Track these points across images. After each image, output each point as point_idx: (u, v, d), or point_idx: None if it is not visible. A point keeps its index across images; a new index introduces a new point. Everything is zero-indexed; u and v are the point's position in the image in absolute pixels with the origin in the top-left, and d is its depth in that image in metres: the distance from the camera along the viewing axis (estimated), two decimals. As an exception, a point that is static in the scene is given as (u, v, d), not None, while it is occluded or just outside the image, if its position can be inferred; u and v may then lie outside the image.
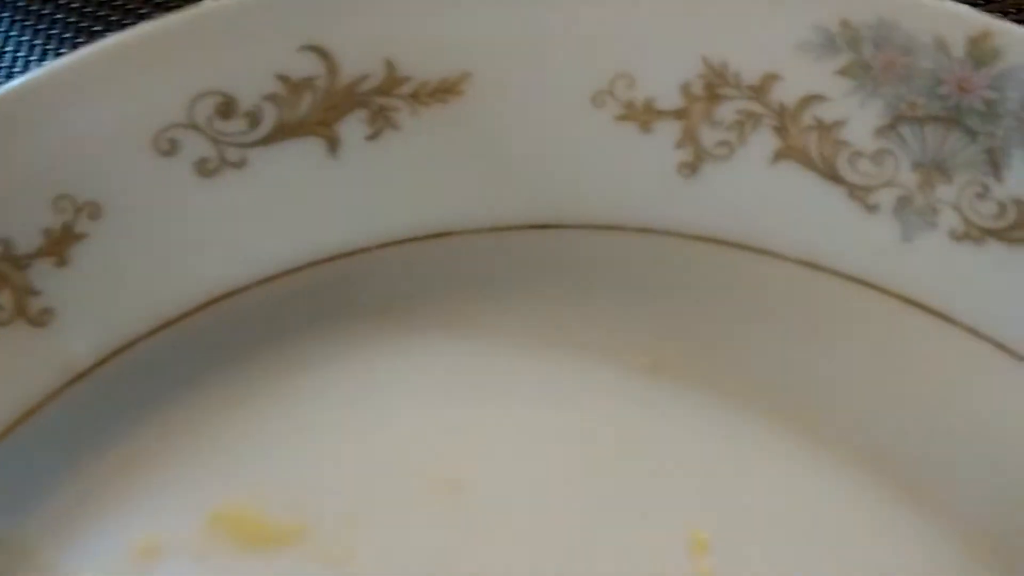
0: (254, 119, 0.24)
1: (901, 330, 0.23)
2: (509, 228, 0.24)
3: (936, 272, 0.23)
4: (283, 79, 0.24)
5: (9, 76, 0.32)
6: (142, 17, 0.31)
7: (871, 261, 0.23)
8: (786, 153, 0.24)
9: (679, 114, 0.24)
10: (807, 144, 0.23)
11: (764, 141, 0.24)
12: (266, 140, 0.24)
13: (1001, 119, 0.23)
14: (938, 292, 0.23)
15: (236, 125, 0.24)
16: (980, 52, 0.23)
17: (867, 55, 0.23)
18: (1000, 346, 0.22)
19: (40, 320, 0.23)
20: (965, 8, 0.23)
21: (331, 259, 0.24)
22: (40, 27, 0.34)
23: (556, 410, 0.23)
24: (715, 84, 0.24)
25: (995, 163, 0.23)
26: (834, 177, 0.23)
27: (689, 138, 0.24)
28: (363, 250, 0.24)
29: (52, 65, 0.23)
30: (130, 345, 0.23)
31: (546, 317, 0.24)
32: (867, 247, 0.23)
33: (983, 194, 0.23)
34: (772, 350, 0.23)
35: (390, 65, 0.24)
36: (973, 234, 0.23)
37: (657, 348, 0.24)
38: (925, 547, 0.22)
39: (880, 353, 0.23)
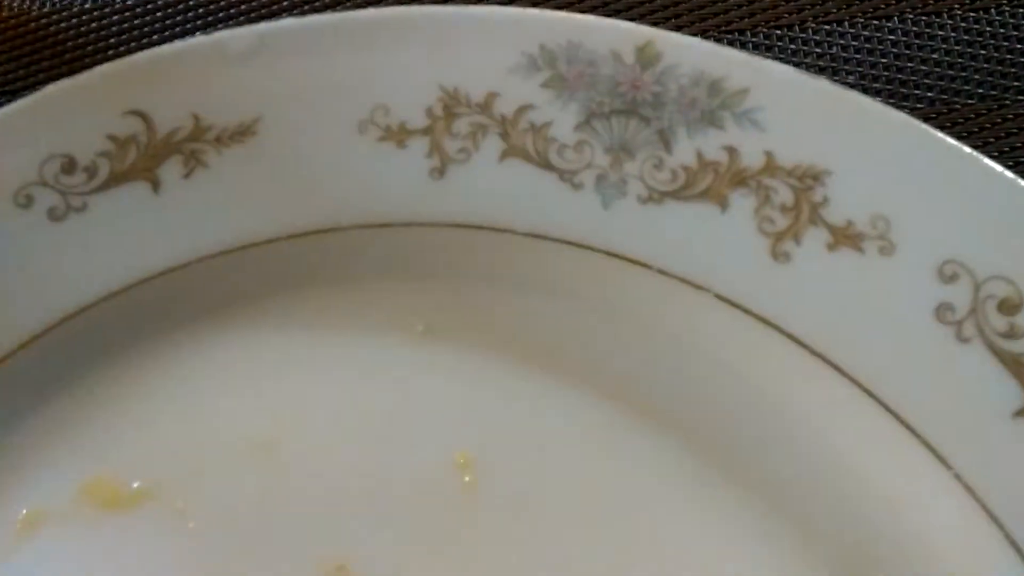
0: (91, 172, 0.30)
1: (605, 277, 0.29)
2: (300, 235, 0.30)
3: (630, 230, 0.29)
4: (112, 139, 0.30)
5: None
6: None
7: (580, 227, 0.29)
8: (510, 152, 0.29)
9: (426, 131, 0.30)
10: (525, 143, 0.29)
11: (492, 145, 0.29)
12: (102, 187, 0.30)
13: (666, 106, 0.29)
14: (633, 245, 0.29)
15: (77, 178, 0.29)
16: (645, 57, 0.29)
17: (562, 69, 0.29)
18: (683, 280, 0.28)
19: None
20: (631, 24, 0.29)
21: (159, 275, 0.29)
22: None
23: (349, 375, 0.29)
24: (451, 105, 0.30)
25: (665, 140, 0.29)
26: (547, 166, 0.29)
27: (435, 149, 0.30)
28: (184, 266, 0.29)
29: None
30: (5, 358, 0.29)
31: (337, 302, 0.30)
32: (576, 217, 0.29)
33: (659, 165, 0.29)
34: (514, 304, 0.29)
35: (196, 118, 0.30)
36: (655, 197, 0.29)
37: (428, 315, 0.29)
38: (659, 455, 0.28)
39: (589, 295, 0.29)
